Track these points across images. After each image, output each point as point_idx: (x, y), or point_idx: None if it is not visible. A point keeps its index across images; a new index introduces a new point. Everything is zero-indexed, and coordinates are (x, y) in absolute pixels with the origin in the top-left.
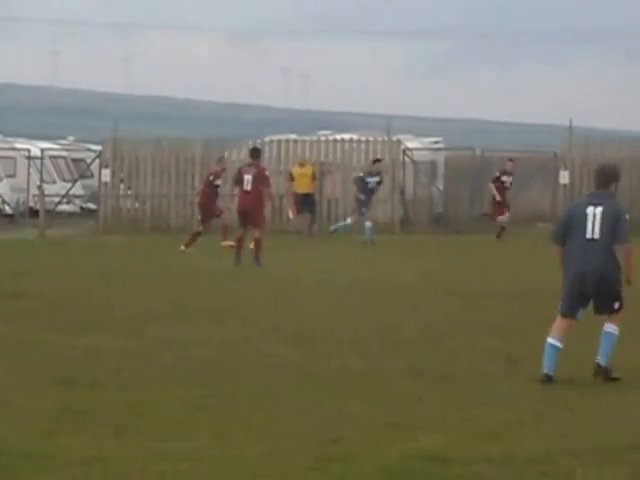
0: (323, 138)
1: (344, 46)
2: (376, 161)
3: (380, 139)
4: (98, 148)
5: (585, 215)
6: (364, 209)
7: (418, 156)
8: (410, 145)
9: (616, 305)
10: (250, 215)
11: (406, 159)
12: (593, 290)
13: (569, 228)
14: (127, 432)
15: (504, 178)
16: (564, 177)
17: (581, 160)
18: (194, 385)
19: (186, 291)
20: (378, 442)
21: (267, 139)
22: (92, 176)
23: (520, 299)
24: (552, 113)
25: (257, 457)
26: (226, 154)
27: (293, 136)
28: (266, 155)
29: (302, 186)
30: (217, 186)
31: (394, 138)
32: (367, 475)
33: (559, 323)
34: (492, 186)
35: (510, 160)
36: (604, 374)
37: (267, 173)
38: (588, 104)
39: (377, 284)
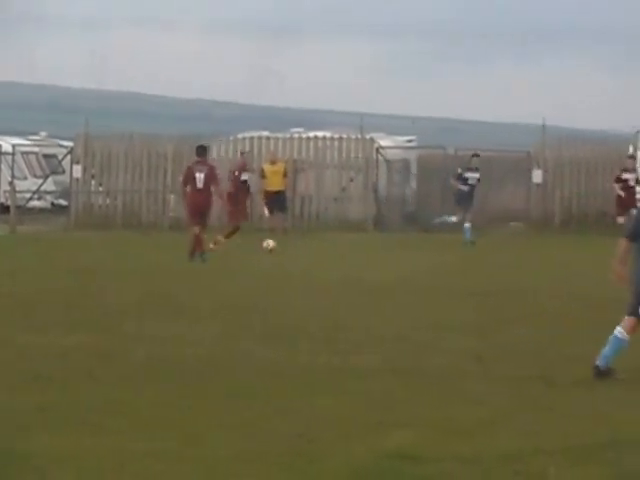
0: (296, 135)
1: (317, 44)
2: (474, 155)
3: (353, 137)
4: (69, 144)
5: None
6: (461, 208)
7: (391, 154)
8: (383, 143)
9: None
10: (204, 213)
11: (379, 157)
12: None
13: None
14: (103, 431)
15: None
16: (537, 176)
17: (554, 159)
18: (168, 383)
19: (160, 287)
20: (348, 440)
21: (240, 136)
22: (63, 172)
23: (492, 298)
24: (525, 112)
25: (230, 457)
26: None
27: (266, 133)
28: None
29: (273, 184)
30: (245, 181)
31: (367, 136)
32: (336, 473)
33: (627, 322)
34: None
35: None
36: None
37: (217, 171)
38: (561, 103)
39: (351, 282)
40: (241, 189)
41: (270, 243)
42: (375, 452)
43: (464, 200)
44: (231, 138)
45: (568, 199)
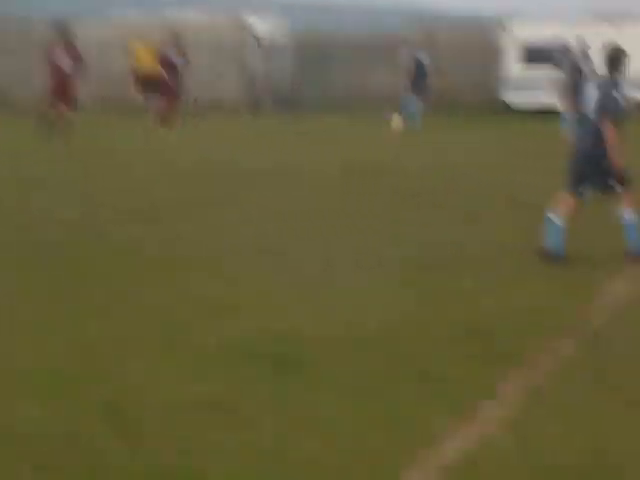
0: (169, 16)
1: None
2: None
3: (227, 19)
4: None
5: None
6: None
7: (266, 38)
8: (258, 27)
9: None
10: (67, 91)
11: (253, 40)
12: None
13: None
14: None
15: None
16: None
17: (428, 43)
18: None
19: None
20: (215, 319)
21: (114, 16)
22: None
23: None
24: None
25: (103, 339)
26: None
27: (136, 14)
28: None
29: (146, 65)
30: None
31: (242, 19)
32: (205, 349)
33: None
34: None
35: None
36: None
37: (79, 50)
38: None
39: (205, 163)
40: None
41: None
42: (246, 331)
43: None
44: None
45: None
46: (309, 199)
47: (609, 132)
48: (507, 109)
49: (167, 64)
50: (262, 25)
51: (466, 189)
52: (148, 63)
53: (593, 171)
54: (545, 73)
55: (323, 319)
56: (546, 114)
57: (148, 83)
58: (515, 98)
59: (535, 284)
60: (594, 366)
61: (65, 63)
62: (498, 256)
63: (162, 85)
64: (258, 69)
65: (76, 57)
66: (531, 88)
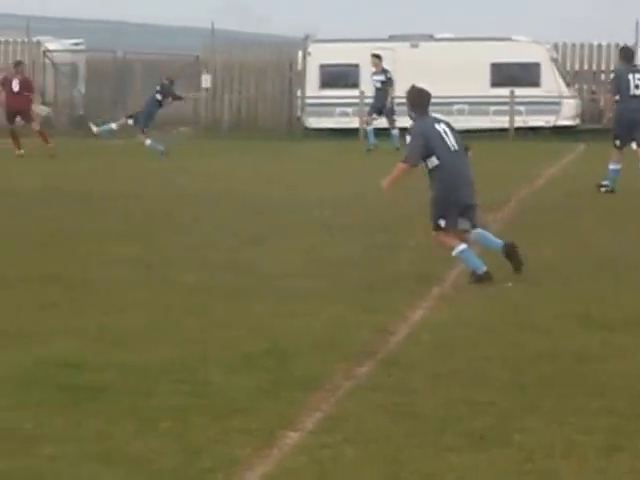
0: None
1: None
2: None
3: (20, 40)
4: None
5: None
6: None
7: (59, 58)
8: (50, 47)
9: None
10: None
11: (46, 61)
12: None
13: None
14: None
15: None
16: (206, 81)
17: (224, 63)
18: None
19: None
20: (9, 348)
21: None
22: None
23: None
24: (193, 16)
25: None
26: None
27: None
28: None
29: None
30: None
31: (34, 39)
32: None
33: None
34: None
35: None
36: None
37: None
38: (231, 5)
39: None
40: None
41: None
42: (37, 360)
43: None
44: None
45: (237, 103)
46: None
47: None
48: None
49: None
50: (56, 45)
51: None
52: None
53: None
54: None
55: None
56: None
57: None
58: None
59: (334, 305)
60: (392, 391)
61: None
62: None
63: None
64: (51, 89)
65: None
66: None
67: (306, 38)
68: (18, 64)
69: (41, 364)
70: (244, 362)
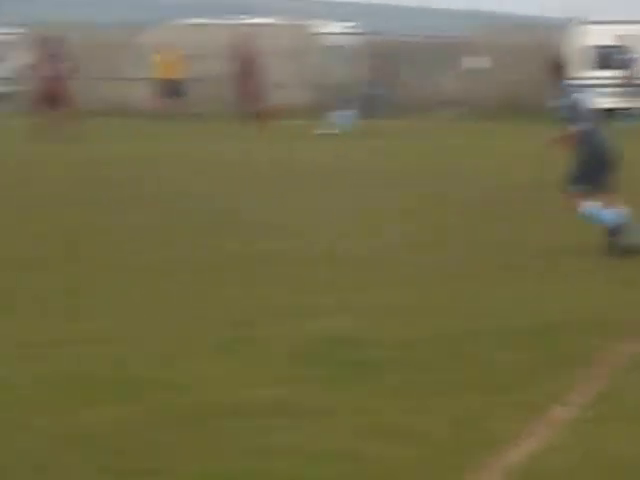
0: (233, 22)
1: None
2: None
3: (286, 23)
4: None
5: None
6: None
7: (330, 41)
8: (323, 30)
9: None
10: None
11: (317, 44)
12: None
13: None
14: None
15: None
16: (470, 62)
17: (490, 46)
18: None
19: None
20: (286, 325)
21: (170, 24)
22: None
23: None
24: None
25: (167, 338)
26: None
27: (196, 20)
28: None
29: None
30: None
31: (304, 22)
32: (275, 357)
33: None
34: None
35: None
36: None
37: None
38: None
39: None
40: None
41: None
42: (314, 336)
43: None
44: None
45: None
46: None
47: None
48: None
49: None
50: (329, 28)
51: None
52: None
53: None
54: None
55: (389, 322)
56: None
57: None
58: None
59: (592, 282)
60: None
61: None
62: None
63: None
64: (320, 72)
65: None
66: None
67: (574, 20)
68: None
69: (317, 340)
70: (513, 338)
